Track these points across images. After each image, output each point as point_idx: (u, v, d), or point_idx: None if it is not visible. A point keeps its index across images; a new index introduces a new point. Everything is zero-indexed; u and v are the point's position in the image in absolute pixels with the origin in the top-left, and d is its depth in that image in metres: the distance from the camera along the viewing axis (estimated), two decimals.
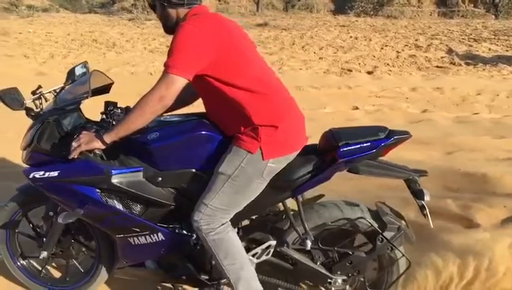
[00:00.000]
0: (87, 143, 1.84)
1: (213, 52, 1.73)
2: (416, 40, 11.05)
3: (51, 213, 2.21)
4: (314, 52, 9.48)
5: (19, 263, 2.40)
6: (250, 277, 1.96)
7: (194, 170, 1.94)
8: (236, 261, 1.93)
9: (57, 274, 2.49)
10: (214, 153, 1.89)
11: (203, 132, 1.91)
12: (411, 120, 5.37)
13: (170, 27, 1.89)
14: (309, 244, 1.98)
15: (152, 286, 2.41)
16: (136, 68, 8.39)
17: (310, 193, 2.15)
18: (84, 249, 2.35)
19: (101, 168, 1.92)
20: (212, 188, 1.86)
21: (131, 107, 1.90)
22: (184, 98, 2.08)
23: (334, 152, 1.86)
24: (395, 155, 3.93)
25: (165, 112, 1.95)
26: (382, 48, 9.99)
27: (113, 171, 1.92)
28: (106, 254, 2.23)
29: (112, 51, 9.82)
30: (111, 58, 9.26)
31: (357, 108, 5.83)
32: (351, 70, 7.93)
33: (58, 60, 9.05)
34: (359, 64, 8.43)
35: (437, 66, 8.33)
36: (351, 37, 11.50)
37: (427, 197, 1.87)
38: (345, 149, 1.85)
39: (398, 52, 9.56)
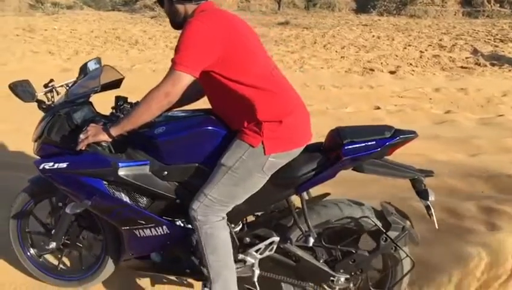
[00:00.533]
0: (94, 136, 1.88)
1: (220, 49, 1.75)
2: (440, 40, 10.87)
3: (60, 204, 2.28)
4: (336, 51, 9.41)
5: (28, 253, 2.46)
6: (230, 279, 1.98)
7: (199, 165, 1.96)
8: (221, 259, 1.95)
9: (65, 265, 2.54)
10: (220, 149, 1.90)
11: (210, 127, 1.93)
12: (434, 121, 5.29)
13: (178, 23, 1.89)
14: (311, 241, 1.99)
15: (159, 279, 2.45)
16: (158, 65, 8.46)
17: (316, 191, 2.12)
18: (91, 241, 2.39)
19: (108, 161, 1.96)
20: (213, 179, 1.88)
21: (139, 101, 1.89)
22: (189, 95, 2.11)
23: (338, 150, 1.86)
24: (418, 155, 3.91)
25: (170, 108, 1.95)
26: (405, 48, 9.86)
27: (120, 164, 1.96)
28: (113, 246, 2.28)
29: (135, 48, 9.93)
30: (133, 55, 9.36)
31: (378, 108, 5.77)
32: (373, 70, 7.86)
33: (82, 56, 9.19)
34: (381, 63, 8.34)
35: (461, 67, 8.18)
36: (373, 36, 11.38)
37: (431, 197, 1.85)
38: (350, 147, 1.84)
39: (421, 52, 9.42)
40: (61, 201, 2.27)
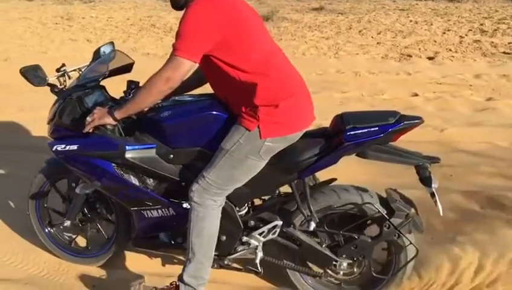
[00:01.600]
0: (99, 118, 1.96)
1: (220, 34, 1.76)
2: (482, 24, 10.45)
3: (74, 184, 2.37)
4: (372, 37, 9.20)
5: (46, 230, 2.60)
6: (204, 266, 2.03)
7: (204, 149, 2.01)
8: (203, 243, 2.00)
9: (80, 243, 2.65)
10: (223, 133, 1.94)
11: (214, 112, 1.97)
12: (475, 108, 5.12)
13: (179, 4, 1.89)
14: (312, 226, 2.03)
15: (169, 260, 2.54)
16: None
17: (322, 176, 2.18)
18: (104, 221, 2.50)
19: (116, 144, 2.04)
20: (212, 162, 1.92)
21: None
22: (190, 83, 2.15)
23: (341, 135, 1.87)
24: (459, 143, 3.80)
25: (174, 93, 2.01)
26: (444, 33, 9.54)
27: (126, 146, 2.03)
28: (124, 226, 2.38)
29: (169, 36, 9.99)
30: (168, 43, 9.42)
31: (416, 95, 5.62)
32: (410, 56, 7.64)
33: (118, 44, 9.27)
34: (419, 49, 8.10)
35: (504, 52, 7.85)
36: (410, 21, 11.06)
37: (434, 185, 1.85)
38: (352, 133, 1.85)
39: (461, 37, 9.09)
40: (74, 181, 2.38)
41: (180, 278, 2.05)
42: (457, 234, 2.62)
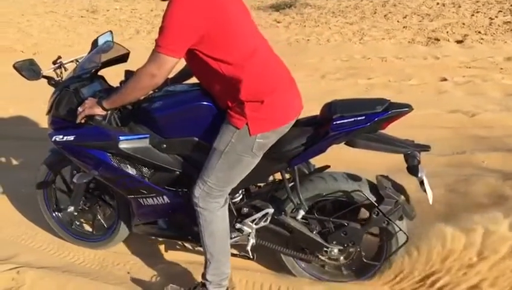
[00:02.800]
0: (89, 108, 2.01)
1: (203, 28, 1.75)
2: None
3: (75, 172, 2.47)
4: (398, 21, 9.00)
5: (54, 215, 2.73)
6: (223, 263, 2.10)
7: (195, 138, 2.07)
8: (217, 243, 2.06)
9: (85, 228, 2.80)
10: (214, 123, 1.99)
11: (203, 102, 2.00)
12: (506, 92, 4.97)
13: None
14: (301, 214, 2.09)
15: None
16: None
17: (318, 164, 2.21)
18: (107, 207, 2.60)
19: (109, 134, 2.11)
20: (209, 164, 1.96)
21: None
22: (189, 70, 2.19)
23: (328, 124, 1.89)
24: (490, 128, 3.71)
25: (173, 82, 2.19)
26: (473, 15, 9.25)
27: (120, 137, 2.10)
28: (124, 213, 2.47)
29: None
30: None
31: (445, 80, 5.49)
32: (438, 40, 7.45)
33: (143, 35, 9.42)
34: (447, 32, 7.88)
35: None
36: (437, 3, 10.75)
37: (421, 174, 1.84)
38: (338, 122, 1.86)
39: (491, 18, 8.79)
40: (75, 169, 2.49)
41: (204, 277, 2.13)
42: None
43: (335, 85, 5.60)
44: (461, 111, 4.35)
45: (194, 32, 1.74)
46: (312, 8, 10.76)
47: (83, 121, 2.04)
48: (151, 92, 2.11)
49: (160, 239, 2.61)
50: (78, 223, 2.77)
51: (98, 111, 2.00)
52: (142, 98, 2.11)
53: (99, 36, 2.51)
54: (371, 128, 1.89)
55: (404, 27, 8.52)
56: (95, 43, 2.47)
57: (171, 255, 2.58)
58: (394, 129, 3.86)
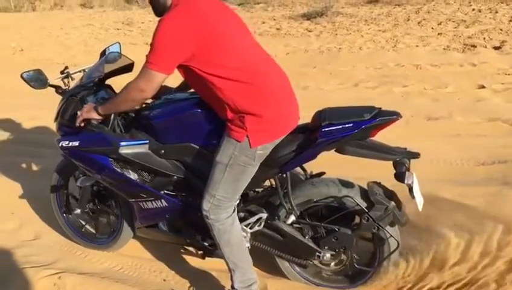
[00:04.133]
0: (86, 113, 2.14)
1: (193, 45, 1.79)
2: None
3: (81, 176, 2.57)
4: (432, 28, 8.86)
5: (63, 216, 2.86)
6: (246, 269, 2.13)
7: (191, 144, 2.14)
8: (235, 251, 2.09)
9: (91, 230, 2.87)
10: (209, 129, 2.07)
11: (198, 110, 2.08)
12: None
13: (159, 12, 1.95)
14: (292, 218, 2.14)
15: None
16: None
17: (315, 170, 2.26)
18: (111, 211, 2.70)
19: (111, 140, 2.20)
20: (215, 178, 1.99)
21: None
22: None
23: (316, 132, 1.93)
24: None
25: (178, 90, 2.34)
26: (511, 20, 9.02)
27: (121, 143, 2.18)
28: (128, 216, 2.53)
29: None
30: None
31: (483, 87, 5.36)
32: (474, 46, 7.29)
33: None
34: (484, 39, 7.71)
35: None
36: (473, 9, 10.54)
37: (407, 181, 1.86)
38: (326, 129, 1.90)
39: None
40: (81, 174, 2.58)
41: (233, 287, 2.15)
42: None
43: (369, 93, 5.55)
44: (501, 119, 4.22)
45: (182, 49, 1.80)
46: (344, 17, 10.73)
47: (82, 124, 2.18)
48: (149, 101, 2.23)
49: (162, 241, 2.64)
50: (84, 225, 2.87)
51: (94, 115, 2.13)
52: (143, 105, 2.25)
53: (107, 47, 2.63)
54: (359, 136, 1.92)
55: (439, 34, 8.38)
56: (103, 54, 2.60)
57: (206, 263, 2.58)
58: (430, 138, 3.80)
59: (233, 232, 2.07)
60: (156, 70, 1.82)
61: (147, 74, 1.85)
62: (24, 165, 4.06)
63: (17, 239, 2.99)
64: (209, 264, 2.56)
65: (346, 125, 1.88)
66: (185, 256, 2.67)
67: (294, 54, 8.14)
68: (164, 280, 2.52)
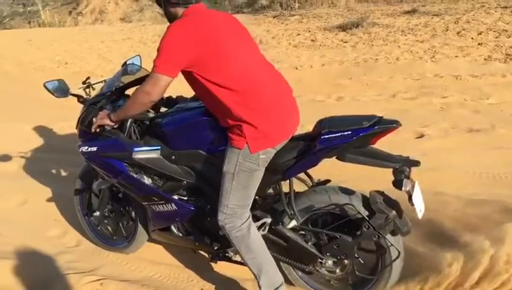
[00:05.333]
0: (100, 119, 2.29)
1: (194, 52, 1.92)
2: None
3: (100, 180, 2.71)
4: (472, 38, 8.65)
5: (85, 218, 3.01)
6: (272, 272, 2.16)
7: (201, 151, 2.23)
8: (257, 255, 2.13)
9: (109, 232, 2.98)
10: (216, 137, 2.16)
11: (205, 118, 2.18)
12: None
13: (171, 21, 2.06)
14: (293, 224, 2.18)
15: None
16: (282, 64, 8.60)
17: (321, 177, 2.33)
18: (128, 214, 2.82)
19: (125, 146, 2.34)
20: (225, 188, 2.07)
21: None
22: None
23: (317, 139, 1.99)
24: None
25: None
26: None
27: (134, 148, 2.32)
28: (143, 219, 2.65)
29: (259, 48, 10.21)
30: None
31: None
32: None
33: None
34: None
35: None
36: None
37: (404, 188, 1.88)
38: (326, 137, 1.97)
39: None
40: (101, 178, 2.70)
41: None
42: None
43: (407, 104, 5.46)
44: None
45: (185, 55, 1.92)
46: (380, 27, 10.62)
47: (98, 130, 2.33)
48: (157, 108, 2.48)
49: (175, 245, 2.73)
50: (103, 227, 3.00)
51: (107, 122, 2.28)
52: (157, 114, 2.45)
53: (128, 59, 2.80)
54: (358, 143, 1.96)
55: (479, 44, 8.18)
56: (124, 65, 2.76)
57: (243, 273, 2.59)
58: (471, 150, 3.69)
59: (251, 237, 2.12)
60: (161, 73, 1.95)
61: (153, 77, 1.98)
62: (66, 174, 4.20)
63: (60, 246, 3.10)
64: (247, 274, 2.56)
65: (345, 133, 1.94)
66: (222, 266, 2.68)
67: (330, 65, 8.11)
68: (201, 289, 2.54)
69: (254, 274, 2.17)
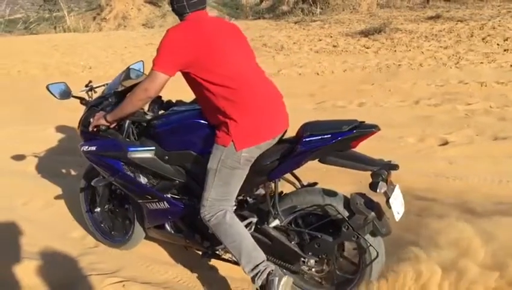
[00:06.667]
0: (97, 120, 2.44)
1: (190, 53, 2.07)
2: None
3: (101, 177, 2.81)
4: (498, 44, 8.48)
5: (89, 215, 3.18)
6: (251, 249, 2.20)
7: (193, 152, 2.34)
8: (235, 239, 2.20)
9: (109, 228, 3.08)
10: (207, 138, 2.24)
11: (196, 120, 2.30)
12: None
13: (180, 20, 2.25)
14: (276, 223, 2.26)
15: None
16: (303, 69, 8.59)
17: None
18: (126, 211, 2.94)
19: (121, 145, 2.47)
20: (207, 183, 2.19)
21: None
22: None
23: (298, 142, 2.09)
24: None
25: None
26: None
27: (129, 148, 2.44)
28: (140, 217, 2.75)
29: (280, 54, 10.23)
30: (280, 60, 9.66)
31: None
32: None
33: None
34: None
35: None
36: None
37: (379, 190, 1.94)
38: (307, 140, 2.06)
39: None
40: (102, 176, 2.79)
41: (250, 276, 2.20)
42: None
43: (431, 111, 5.37)
44: None
45: (181, 55, 2.08)
46: (403, 33, 10.50)
47: (95, 130, 2.46)
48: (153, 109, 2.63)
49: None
50: (104, 223, 3.13)
51: (103, 122, 2.41)
52: (154, 116, 2.56)
53: (131, 64, 2.93)
54: (339, 146, 2.05)
55: (505, 50, 8.01)
56: (126, 70, 2.86)
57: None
58: (497, 158, 3.61)
59: (227, 222, 2.20)
60: (158, 70, 2.09)
61: (151, 74, 2.12)
62: None
63: (82, 247, 3.15)
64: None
65: (325, 136, 2.03)
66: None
67: (352, 71, 8.05)
68: None
69: (236, 258, 2.23)
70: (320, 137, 2.04)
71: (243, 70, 2.17)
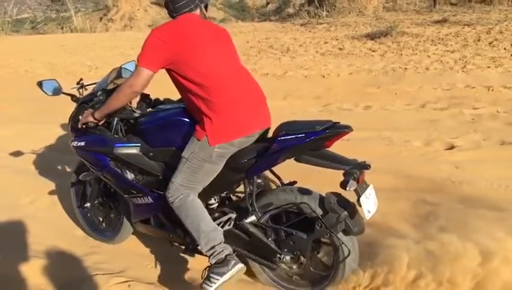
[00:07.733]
0: (85, 117, 2.53)
1: (171, 51, 2.18)
2: None
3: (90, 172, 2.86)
4: (505, 48, 8.44)
5: (80, 208, 3.25)
6: (209, 230, 2.29)
7: (175, 149, 2.40)
8: (194, 220, 2.29)
9: (99, 223, 3.22)
10: (187, 136, 2.30)
11: (179, 118, 2.39)
12: None
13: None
14: (252, 219, 2.33)
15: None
16: (309, 71, 8.59)
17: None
18: (115, 206, 3.03)
19: (108, 141, 2.56)
20: (177, 169, 2.31)
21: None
22: None
23: (274, 141, 2.15)
24: None
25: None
26: None
27: (115, 144, 2.52)
28: (127, 212, 2.80)
29: (286, 56, 10.23)
30: (285, 62, 9.66)
31: None
32: None
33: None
34: None
35: None
36: None
37: (348, 188, 1.99)
38: (281, 138, 2.13)
39: None
40: (91, 171, 2.82)
41: (207, 255, 2.30)
42: None
43: (437, 115, 5.36)
44: None
45: (162, 52, 2.18)
46: (409, 36, 10.49)
47: (82, 126, 2.54)
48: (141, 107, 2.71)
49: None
50: (94, 218, 3.20)
51: (91, 119, 2.50)
52: (141, 114, 2.61)
53: (123, 64, 3.02)
54: (313, 146, 2.12)
55: None
56: (118, 69, 2.96)
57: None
58: (504, 163, 3.59)
59: (187, 204, 2.30)
60: (142, 66, 2.18)
61: (136, 70, 2.22)
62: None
63: (88, 246, 3.16)
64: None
65: (299, 136, 2.09)
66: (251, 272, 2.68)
67: (358, 74, 8.04)
68: None
69: (195, 239, 2.32)
70: (294, 136, 2.11)
71: (219, 70, 2.24)
